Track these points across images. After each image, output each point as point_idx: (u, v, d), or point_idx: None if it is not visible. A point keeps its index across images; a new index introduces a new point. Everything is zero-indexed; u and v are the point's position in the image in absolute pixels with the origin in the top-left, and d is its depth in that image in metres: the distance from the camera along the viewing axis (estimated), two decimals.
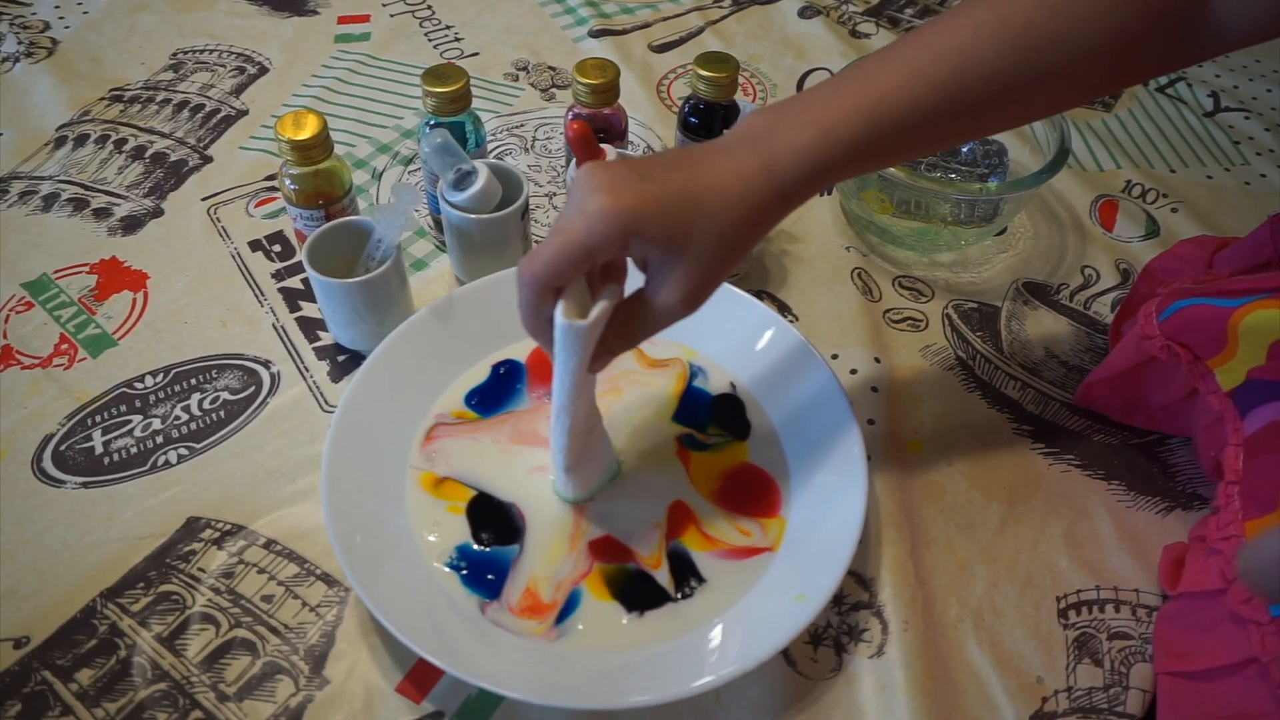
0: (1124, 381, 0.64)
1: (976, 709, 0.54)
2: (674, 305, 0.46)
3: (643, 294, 0.47)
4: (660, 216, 0.43)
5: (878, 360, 0.71)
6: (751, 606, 0.55)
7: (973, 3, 0.47)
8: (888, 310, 0.75)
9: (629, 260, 0.48)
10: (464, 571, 0.56)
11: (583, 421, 0.53)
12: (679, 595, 0.56)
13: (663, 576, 0.57)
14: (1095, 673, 0.56)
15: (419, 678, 0.54)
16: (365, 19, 1.03)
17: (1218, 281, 0.56)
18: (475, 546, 0.57)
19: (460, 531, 0.58)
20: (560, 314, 0.45)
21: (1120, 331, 0.70)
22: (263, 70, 0.95)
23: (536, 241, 0.78)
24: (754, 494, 0.61)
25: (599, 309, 0.45)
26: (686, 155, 0.46)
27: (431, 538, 0.58)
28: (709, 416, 0.65)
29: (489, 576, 0.56)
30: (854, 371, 0.70)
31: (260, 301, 0.73)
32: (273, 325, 0.71)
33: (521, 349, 0.68)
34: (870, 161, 0.48)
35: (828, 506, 0.58)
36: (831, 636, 0.56)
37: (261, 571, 0.58)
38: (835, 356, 0.71)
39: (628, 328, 0.48)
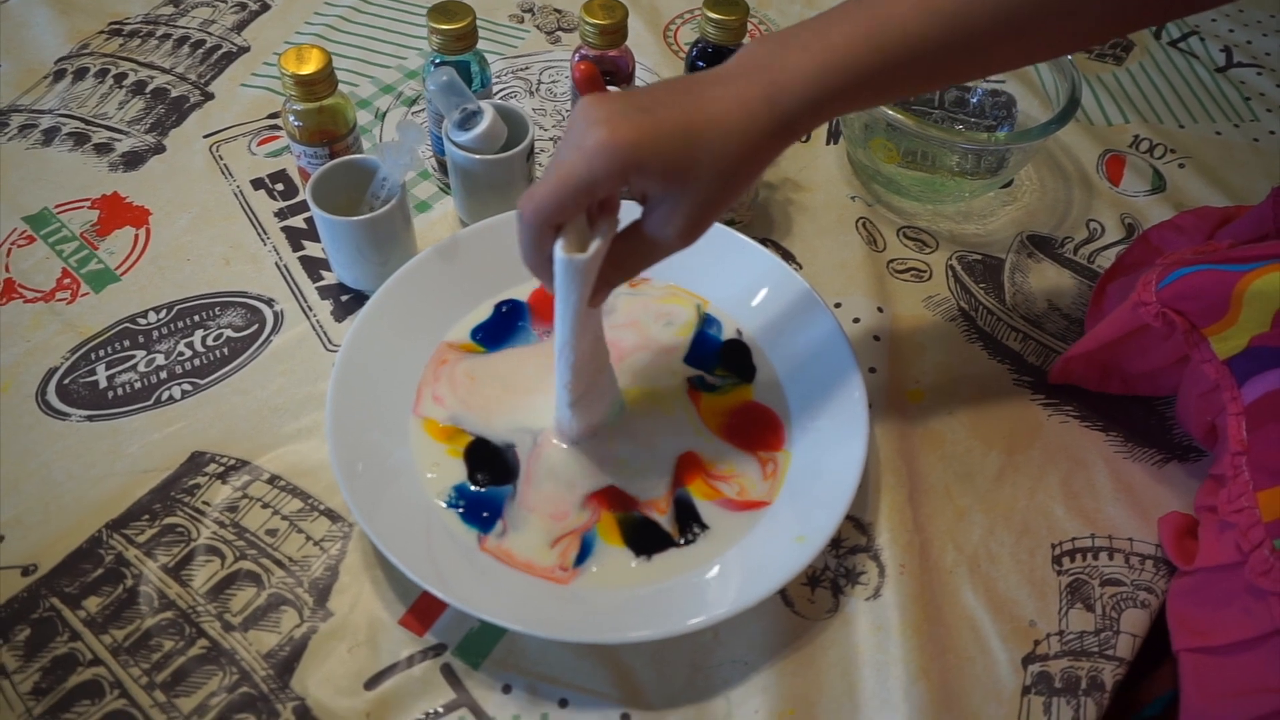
0: (1102, 352, 0.63)
1: (970, 651, 0.55)
2: (671, 238, 0.46)
3: (640, 226, 0.47)
4: (660, 150, 0.42)
5: (880, 309, 0.71)
6: (752, 547, 0.56)
7: None
8: (891, 260, 0.75)
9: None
10: (461, 510, 0.57)
11: (587, 356, 0.53)
12: (683, 541, 0.57)
13: (667, 522, 0.57)
14: (1087, 617, 0.57)
15: (422, 611, 0.54)
16: None
17: (1221, 250, 0.55)
18: (472, 487, 0.58)
19: (458, 472, 0.59)
20: (560, 249, 0.45)
21: (1105, 290, 0.69)
22: (264, 7, 0.93)
23: None
24: (759, 428, 0.62)
25: (596, 245, 0.45)
26: (687, 85, 0.45)
27: (430, 475, 0.58)
28: (717, 360, 0.65)
29: (484, 514, 0.57)
30: (857, 320, 0.70)
31: (263, 240, 0.73)
32: (276, 264, 0.71)
33: (524, 289, 0.68)
34: (874, 93, 0.47)
35: (829, 451, 0.59)
36: (829, 578, 0.57)
37: (266, 506, 0.58)
38: (839, 305, 0.71)
39: (624, 260, 0.48)
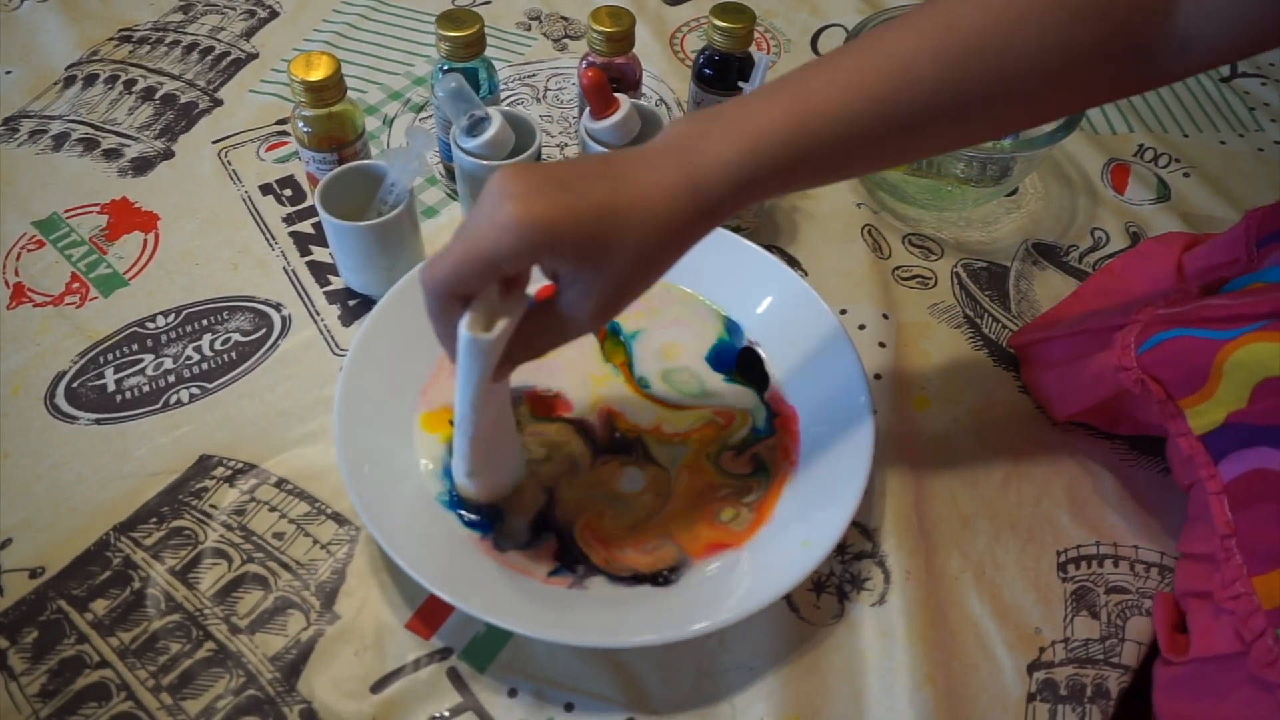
0: (1104, 407, 0.61)
1: (975, 657, 0.55)
2: (583, 320, 0.44)
3: (552, 304, 0.45)
4: (575, 230, 0.40)
5: (886, 317, 0.71)
6: (758, 553, 0.56)
7: (920, 11, 0.45)
8: (897, 268, 0.75)
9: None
10: (460, 512, 0.57)
11: (486, 430, 0.51)
12: (659, 581, 0.56)
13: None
14: (1092, 625, 0.57)
15: (428, 614, 0.54)
16: None
17: (1200, 307, 0.52)
18: None
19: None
20: (464, 326, 0.42)
21: (1060, 318, 0.66)
22: (273, 14, 0.94)
23: None
24: None
25: (501, 325, 0.43)
26: (608, 164, 0.43)
27: (430, 466, 0.59)
28: (734, 366, 0.66)
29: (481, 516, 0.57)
30: (862, 327, 0.70)
31: (271, 245, 0.73)
32: (283, 269, 0.71)
33: (531, 287, 0.67)
34: (801, 177, 0.46)
35: (835, 457, 0.59)
36: (834, 584, 0.57)
37: (273, 509, 0.58)
38: (844, 312, 0.71)
39: (532, 339, 0.46)
